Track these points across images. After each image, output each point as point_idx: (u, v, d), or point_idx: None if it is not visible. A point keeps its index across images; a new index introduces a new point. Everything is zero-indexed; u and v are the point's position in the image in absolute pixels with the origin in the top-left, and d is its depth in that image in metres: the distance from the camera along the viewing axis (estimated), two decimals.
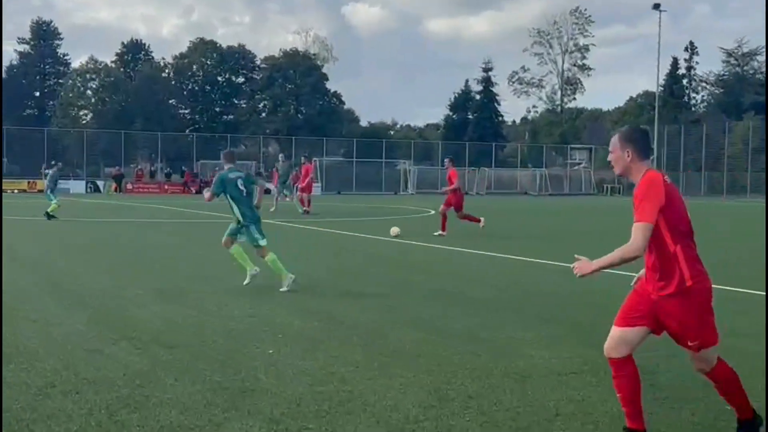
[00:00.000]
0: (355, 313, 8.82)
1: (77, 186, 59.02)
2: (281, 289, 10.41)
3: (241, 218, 10.88)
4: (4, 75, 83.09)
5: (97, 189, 59.75)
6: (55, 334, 7.50)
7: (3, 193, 51.34)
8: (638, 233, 4.35)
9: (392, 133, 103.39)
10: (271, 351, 6.95)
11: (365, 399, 5.53)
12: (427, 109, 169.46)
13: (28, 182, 56.00)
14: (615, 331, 4.64)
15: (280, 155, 38.41)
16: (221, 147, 76.28)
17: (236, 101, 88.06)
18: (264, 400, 5.46)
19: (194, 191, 61.33)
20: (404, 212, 33.21)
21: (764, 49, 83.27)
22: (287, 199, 32.44)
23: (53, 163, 27.96)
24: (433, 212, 33.69)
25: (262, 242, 10.83)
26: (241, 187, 10.91)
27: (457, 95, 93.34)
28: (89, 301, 9.48)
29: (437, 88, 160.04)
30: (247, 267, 10.88)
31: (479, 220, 19.85)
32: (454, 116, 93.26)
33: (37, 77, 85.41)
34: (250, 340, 7.37)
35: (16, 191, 55.24)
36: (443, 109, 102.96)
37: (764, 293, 10.13)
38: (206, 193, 11.18)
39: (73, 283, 10.95)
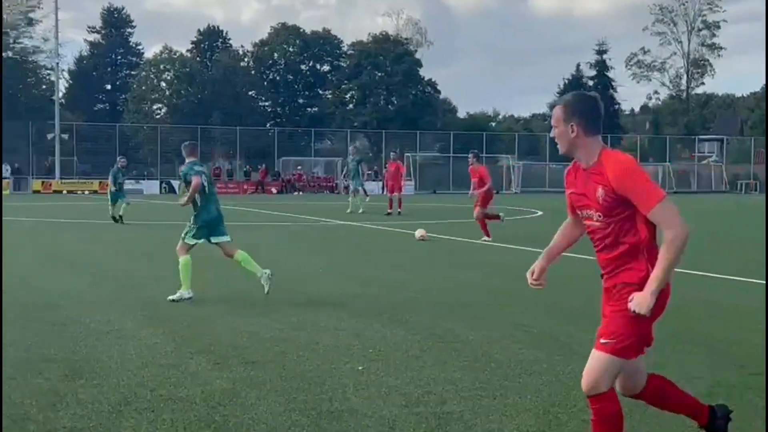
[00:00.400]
0: (455, 326, 8.81)
1: (151, 186, 60.56)
2: (177, 295, 10.49)
3: (193, 214, 10.99)
4: (73, 66, 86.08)
5: (171, 189, 61.11)
6: (128, 348, 7.71)
7: (73, 194, 53.17)
8: (668, 212, 4.07)
9: (494, 124, 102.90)
10: (361, 368, 6.99)
11: (466, 421, 5.52)
12: (532, 98, 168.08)
13: (100, 183, 57.75)
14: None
15: (350, 147, 38.63)
16: (304, 142, 77.36)
17: (321, 92, 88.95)
18: (353, 422, 5.50)
19: (275, 191, 62.31)
20: (508, 213, 32.92)
21: None
22: (354, 195, 32.47)
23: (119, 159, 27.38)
24: (540, 213, 33.38)
25: (188, 240, 10.85)
26: (205, 183, 11.02)
27: (567, 81, 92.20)
28: (163, 313, 9.71)
29: (544, 74, 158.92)
30: (257, 272, 10.77)
31: (488, 235, 19.35)
32: None
33: (108, 69, 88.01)
34: (337, 356, 7.44)
35: (87, 192, 57.05)
36: (551, 97, 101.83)
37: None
38: (184, 199, 11.10)
39: (144, 292, 11.24)
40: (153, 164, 70.76)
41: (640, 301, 4.12)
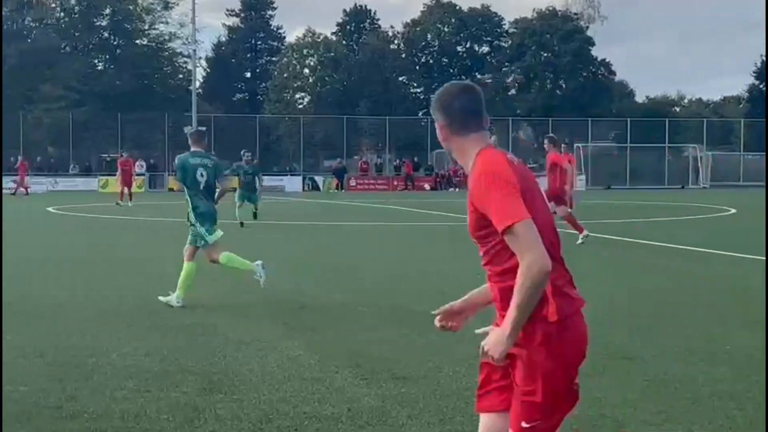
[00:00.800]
0: (632, 341, 8.67)
1: (293, 183, 61.79)
2: (260, 282, 11.02)
3: (191, 212, 11.08)
4: (210, 53, 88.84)
5: (315, 186, 62.25)
6: (269, 360, 7.90)
7: None
8: (523, 239, 3.56)
9: (678, 110, 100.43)
10: None
11: None
12: (724, 79, 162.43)
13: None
14: (481, 420, 3.99)
15: (492, 137, 38.30)
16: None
17: (479, 76, 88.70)
18: None
19: (428, 187, 62.59)
20: (695, 211, 32.13)
21: None
22: None
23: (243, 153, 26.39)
24: (733, 211, 32.38)
25: (210, 238, 11.03)
26: (200, 178, 11.06)
27: (765, 59, 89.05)
28: (307, 322, 9.90)
29: (738, 51, 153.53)
30: (180, 292, 10.90)
31: (581, 230, 18.92)
32: (761, 86, 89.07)
33: (248, 55, 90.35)
34: None
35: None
36: (746, 77, 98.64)
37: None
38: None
39: (288, 299, 11.48)
40: (295, 158, 72.18)
41: (495, 341, 3.73)
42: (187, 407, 6.38)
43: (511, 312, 3.67)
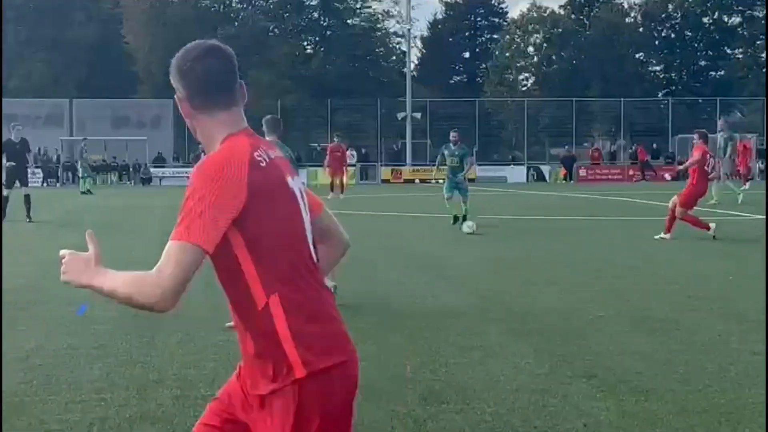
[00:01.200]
0: None
1: (516, 173, 61.56)
2: None
3: None
4: (426, 33, 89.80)
5: (541, 176, 61.86)
6: (494, 368, 7.93)
7: (426, 184, 55.38)
8: (171, 257, 3.00)
9: None
10: None
11: None
12: None
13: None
14: None
15: (719, 121, 36.67)
16: (707, 115, 75.22)
17: (729, 51, 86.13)
18: None
19: (669, 177, 61.08)
20: None
21: None
22: (722, 181, 31.23)
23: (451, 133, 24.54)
24: None
25: None
26: None
27: (766, 56, 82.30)
28: (536, 327, 9.85)
29: None
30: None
31: (708, 227, 19.09)
32: None
33: (467, 34, 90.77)
34: (754, 386, 7.21)
35: (441, 181, 59.11)
36: None
37: None
38: None
39: (511, 302, 11.47)
40: (519, 146, 71.97)
41: (72, 266, 3.14)
42: (407, 418, 6.48)
43: (109, 281, 3.08)
